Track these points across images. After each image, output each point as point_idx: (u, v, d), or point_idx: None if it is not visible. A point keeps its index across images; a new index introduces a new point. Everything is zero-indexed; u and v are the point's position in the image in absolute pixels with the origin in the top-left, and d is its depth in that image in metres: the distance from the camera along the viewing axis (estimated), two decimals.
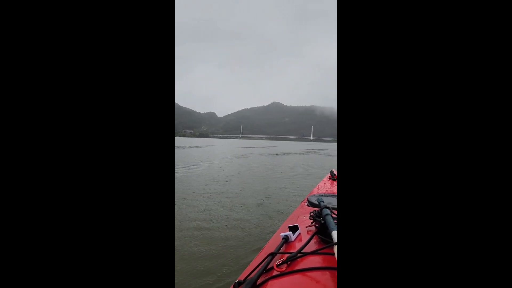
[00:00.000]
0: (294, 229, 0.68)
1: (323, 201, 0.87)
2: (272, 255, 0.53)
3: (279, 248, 0.58)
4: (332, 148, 34.44)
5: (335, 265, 0.38)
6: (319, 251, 0.53)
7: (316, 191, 1.53)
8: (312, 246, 0.58)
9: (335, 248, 0.44)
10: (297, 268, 0.48)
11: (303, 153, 16.81)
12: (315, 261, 0.51)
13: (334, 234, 0.51)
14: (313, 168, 8.43)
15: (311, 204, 1.04)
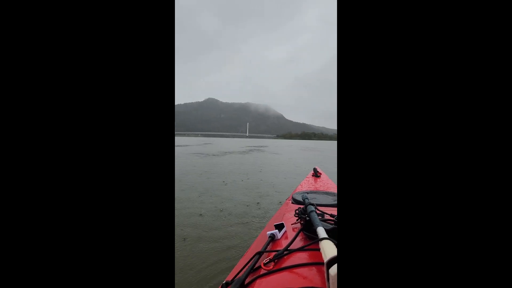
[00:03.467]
0: (280, 227, 0.68)
1: (307, 198, 0.88)
2: (259, 254, 0.54)
3: (266, 247, 0.58)
4: (272, 144, 32.68)
5: (322, 261, 0.40)
6: (305, 248, 0.53)
7: (300, 188, 1.49)
8: (298, 243, 0.59)
9: (321, 244, 0.45)
10: (284, 265, 0.49)
11: (246, 152, 14.45)
12: (301, 257, 0.51)
13: (319, 230, 0.52)
14: (271, 175, 5.37)
15: (296, 201, 1.02)
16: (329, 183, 1.61)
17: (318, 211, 0.69)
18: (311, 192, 1.16)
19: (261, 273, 0.48)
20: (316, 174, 1.82)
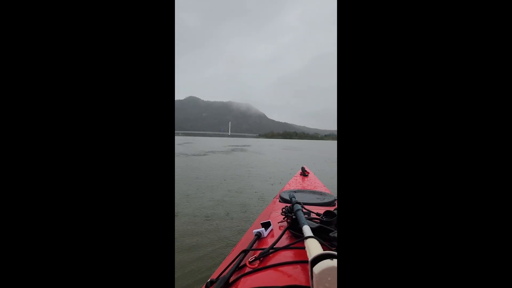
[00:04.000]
0: (266, 225, 0.68)
1: (294, 197, 0.89)
2: (245, 252, 0.53)
3: (252, 245, 0.58)
4: (255, 143, 32.57)
5: (307, 259, 0.40)
6: (291, 246, 0.53)
7: (288, 187, 1.51)
8: (284, 241, 0.59)
9: (306, 242, 0.45)
10: (269, 263, 0.49)
11: (229, 151, 14.07)
12: (287, 255, 0.51)
13: (305, 228, 0.53)
14: (258, 178, 5.17)
15: (283, 200, 1.03)
16: (317, 182, 1.65)
17: (304, 210, 0.70)
18: (299, 191, 1.17)
19: (246, 271, 0.48)
20: (304, 173, 1.85)
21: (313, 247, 0.42)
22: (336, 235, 0.51)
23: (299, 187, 1.43)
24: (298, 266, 0.47)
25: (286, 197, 1.00)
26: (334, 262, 0.33)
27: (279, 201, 1.04)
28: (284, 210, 0.71)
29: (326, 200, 0.98)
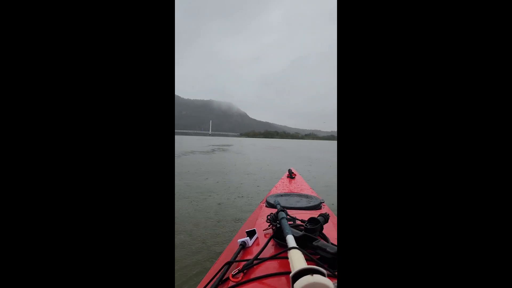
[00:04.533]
0: (251, 233, 0.66)
1: (279, 204, 0.87)
2: (229, 264, 0.52)
3: (236, 256, 0.56)
4: (237, 143, 32.34)
5: (290, 270, 0.39)
6: (276, 256, 0.51)
7: (275, 190, 1.47)
8: (269, 251, 0.57)
9: (289, 254, 0.45)
10: (253, 276, 0.47)
11: (209, 152, 13.51)
12: (271, 267, 0.50)
13: (289, 238, 0.52)
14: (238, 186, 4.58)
15: (269, 205, 1.01)
16: (303, 184, 1.61)
17: (289, 216, 0.69)
18: (285, 194, 1.16)
19: (229, 285, 0.46)
20: (291, 176, 1.81)
21: (296, 259, 0.41)
22: (319, 244, 0.51)
23: (286, 190, 1.41)
24: (283, 277, 0.46)
25: (272, 202, 0.99)
26: (314, 278, 0.33)
27: (266, 206, 1.01)
28: (269, 217, 0.70)
29: (312, 204, 0.97)
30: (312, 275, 0.33)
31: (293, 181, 1.72)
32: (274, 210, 0.73)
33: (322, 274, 0.34)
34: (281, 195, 1.13)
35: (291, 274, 0.35)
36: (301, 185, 1.57)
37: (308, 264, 0.38)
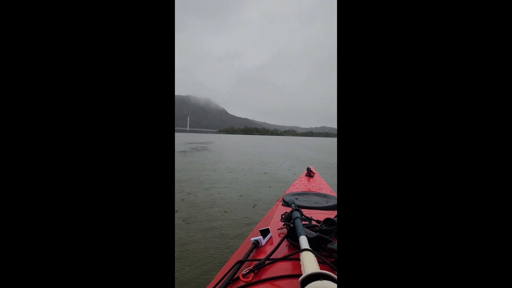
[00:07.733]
0: (265, 232, 0.64)
1: (294, 203, 0.84)
2: (240, 263, 0.51)
3: (248, 255, 0.55)
4: (217, 140, 31.94)
5: (301, 273, 0.38)
6: (288, 257, 0.50)
7: (292, 189, 1.45)
8: (282, 251, 0.56)
9: (301, 256, 0.43)
10: (264, 276, 0.46)
11: (185, 151, 11.79)
12: (283, 268, 0.48)
13: (302, 239, 0.50)
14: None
15: (285, 203, 0.98)
16: (322, 183, 1.61)
17: (305, 216, 0.67)
18: (302, 193, 1.13)
19: (239, 285, 0.45)
20: (310, 174, 1.79)
21: (307, 262, 0.40)
22: (334, 246, 0.48)
23: (304, 189, 1.39)
24: (294, 280, 0.44)
25: (288, 200, 0.97)
26: (323, 284, 0.32)
27: (282, 205, 1.00)
28: (283, 216, 0.69)
29: (330, 204, 0.94)
30: (321, 280, 0.32)
31: (311, 179, 1.70)
32: (289, 209, 0.72)
33: (333, 279, 0.33)
34: (298, 194, 1.11)
35: (300, 278, 0.35)
36: (319, 184, 1.56)
37: (320, 268, 0.37)
